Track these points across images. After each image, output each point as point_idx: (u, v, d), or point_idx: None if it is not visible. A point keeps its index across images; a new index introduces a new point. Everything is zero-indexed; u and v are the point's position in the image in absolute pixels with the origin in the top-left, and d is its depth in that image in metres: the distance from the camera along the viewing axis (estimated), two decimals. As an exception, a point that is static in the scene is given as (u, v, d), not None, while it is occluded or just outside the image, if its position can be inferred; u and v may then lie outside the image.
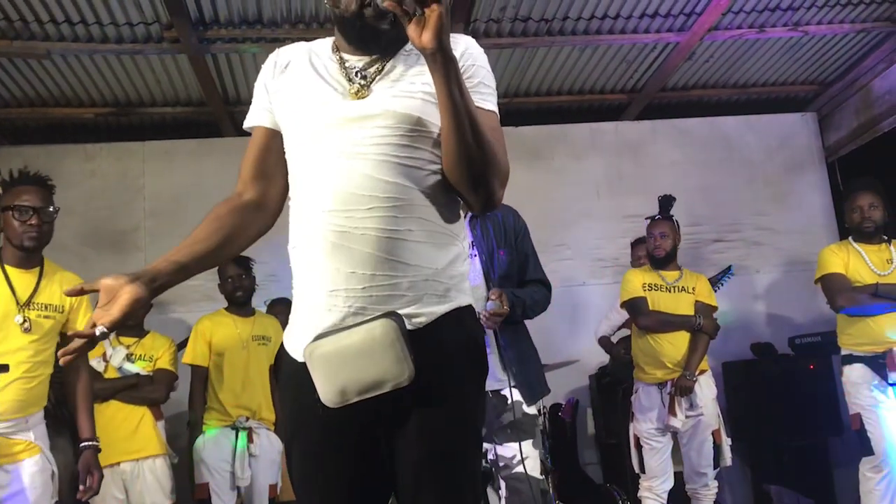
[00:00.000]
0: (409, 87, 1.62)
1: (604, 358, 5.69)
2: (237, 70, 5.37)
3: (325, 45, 1.75)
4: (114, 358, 4.19)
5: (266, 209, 1.77)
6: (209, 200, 5.89)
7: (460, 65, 1.56)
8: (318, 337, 1.55)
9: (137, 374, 4.20)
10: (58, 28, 4.72)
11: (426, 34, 1.40)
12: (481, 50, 1.72)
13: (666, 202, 4.62)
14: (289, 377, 1.67)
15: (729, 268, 5.24)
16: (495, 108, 1.68)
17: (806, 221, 6.34)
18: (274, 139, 1.74)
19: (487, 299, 3.02)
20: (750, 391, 5.55)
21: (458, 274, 1.65)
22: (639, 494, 4.53)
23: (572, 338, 5.82)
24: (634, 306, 4.53)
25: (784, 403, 5.31)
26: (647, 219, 4.67)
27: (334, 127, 1.60)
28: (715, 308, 4.59)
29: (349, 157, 1.58)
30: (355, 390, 1.53)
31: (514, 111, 6.24)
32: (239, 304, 4.41)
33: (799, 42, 5.62)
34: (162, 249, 5.46)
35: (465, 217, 3.07)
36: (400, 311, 1.55)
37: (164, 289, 1.60)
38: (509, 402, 2.99)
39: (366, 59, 1.68)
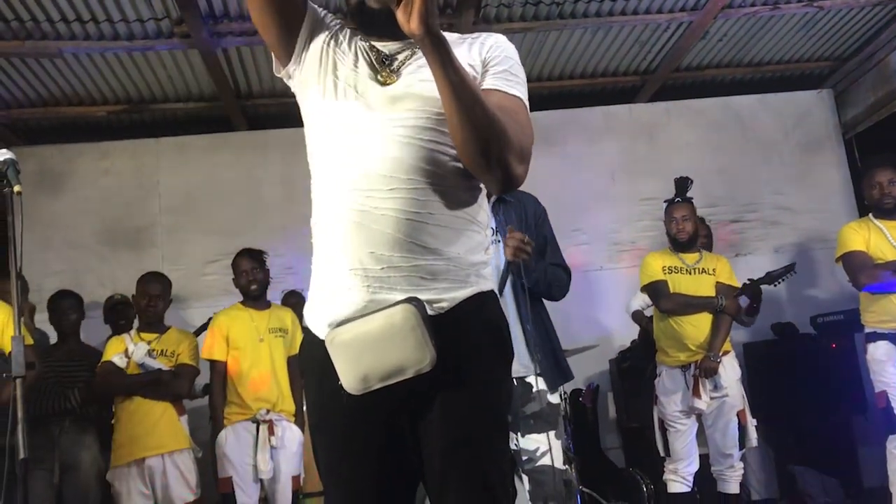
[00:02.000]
0: (425, 74, 1.61)
1: (625, 342, 5.66)
2: (248, 64, 5.36)
3: (350, 31, 1.75)
4: (135, 354, 4.21)
5: None
6: (224, 195, 5.96)
7: (488, 55, 1.66)
8: (340, 323, 1.55)
9: (159, 370, 4.21)
10: (69, 27, 4.72)
11: (413, 20, 1.42)
12: (513, 47, 1.74)
13: (682, 184, 4.58)
14: (312, 362, 1.66)
15: (792, 265, 5.10)
16: (520, 94, 1.68)
17: (824, 199, 6.28)
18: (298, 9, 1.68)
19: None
20: (772, 372, 5.50)
21: (480, 261, 1.65)
22: (664, 477, 4.51)
23: (591, 323, 5.80)
24: (655, 290, 4.50)
25: (807, 383, 5.27)
26: (665, 202, 4.63)
27: (363, 109, 1.62)
28: (736, 288, 4.56)
29: (374, 138, 1.59)
30: (377, 377, 1.53)
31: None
32: (254, 297, 4.40)
33: (814, 17, 5.55)
34: (178, 245, 5.53)
35: (489, 205, 3.11)
36: (421, 296, 1.54)
37: None
38: (534, 390, 2.97)
39: (393, 45, 1.68)
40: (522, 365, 3.00)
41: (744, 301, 5.02)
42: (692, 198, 4.58)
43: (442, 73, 1.48)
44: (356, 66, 1.66)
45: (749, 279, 4.86)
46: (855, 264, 4.13)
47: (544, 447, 2.93)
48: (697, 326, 4.37)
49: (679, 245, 4.53)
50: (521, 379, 2.99)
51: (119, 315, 4.91)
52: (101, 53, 5.04)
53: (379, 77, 1.64)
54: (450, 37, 1.71)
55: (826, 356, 5.34)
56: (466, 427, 1.56)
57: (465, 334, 1.57)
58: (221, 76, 5.33)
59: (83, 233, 5.86)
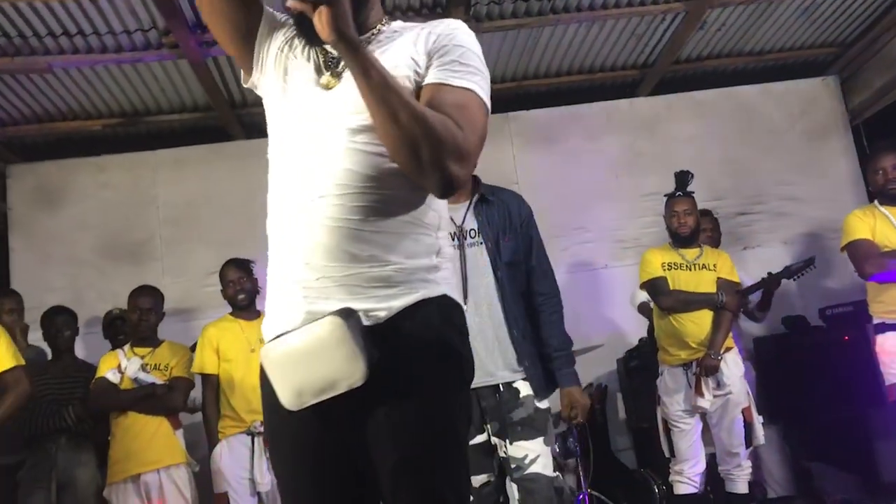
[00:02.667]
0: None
1: (632, 340, 5.56)
2: (239, 73, 5.28)
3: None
4: (129, 369, 4.18)
5: None
6: (223, 205, 5.92)
7: (434, 45, 1.56)
8: (274, 338, 1.51)
9: (153, 384, 4.17)
10: (56, 41, 4.71)
11: (324, 27, 1.40)
12: (467, 32, 1.62)
13: (682, 178, 4.48)
14: (263, 377, 1.60)
15: (812, 259, 4.97)
16: (470, 85, 1.55)
17: (833, 189, 6.13)
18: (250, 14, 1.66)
19: (565, 416, 3.05)
20: (784, 366, 5.39)
21: (427, 265, 1.57)
22: (670, 479, 4.41)
23: (597, 322, 5.70)
24: (655, 287, 4.40)
25: (820, 377, 5.14)
26: (665, 196, 4.54)
27: (304, 115, 1.59)
28: (738, 284, 4.46)
29: (310, 144, 1.55)
30: (311, 392, 1.46)
31: (524, 94, 6.13)
32: (242, 307, 4.34)
33: (814, 3, 5.44)
34: (178, 257, 5.49)
35: (469, 206, 3.04)
36: (357, 305, 1.48)
37: None
38: (521, 395, 2.90)
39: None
40: (509, 370, 2.93)
41: (756, 296, 4.92)
42: (693, 192, 4.48)
43: (360, 79, 1.44)
44: (304, 70, 1.62)
45: (769, 272, 4.74)
46: (860, 253, 4.01)
47: (533, 454, 2.85)
48: (698, 324, 4.26)
49: (680, 240, 4.43)
50: (508, 384, 2.92)
51: (117, 330, 4.88)
52: (91, 67, 5.02)
53: (321, 81, 1.59)
54: (398, 25, 1.66)
55: (839, 349, 5.20)
56: (413, 443, 1.48)
57: (405, 344, 1.49)
58: (213, 86, 5.29)
59: (83, 248, 5.83)
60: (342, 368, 1.43)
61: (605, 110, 6.28)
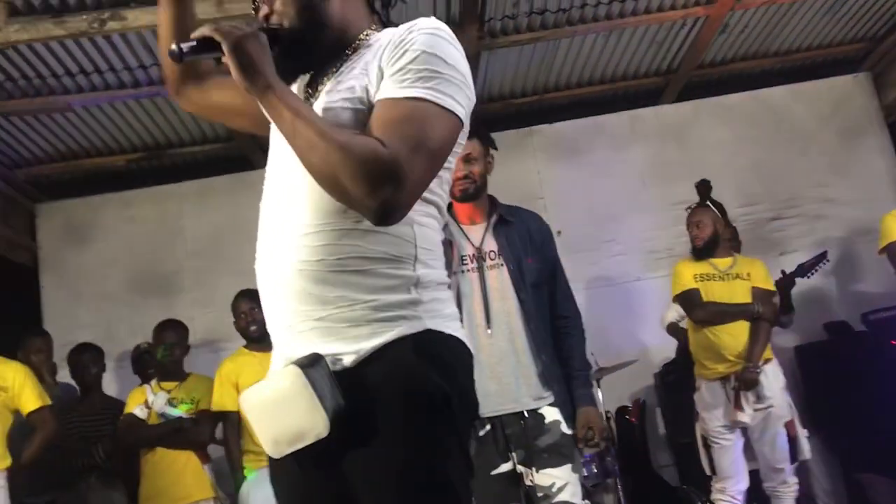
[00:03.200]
0: (330, 98, 1.48)
1: (668, 354, 5.42)
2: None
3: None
4: (156, 404, 4.16)
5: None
6: (249, 235, 5.82)
7: (386, 54, 1.44)
8: (250, 387, 1.47)
9: (180, 418, 4.15)
10: (74, 80, 4.74)
11: (233, 76, 1.38)
12: (429, 31, 1.45)
13: (702, 188, 4.37)
14: None
15: (824, 253, 4.89)
16: (418, 93, 1.39)
17: (870, 188, 5.93)
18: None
19: (581, 436, 2.90)
20: (828, 374, 5.21)
21: (404, 301, 1.44)
22: (712, 497, 4.26)
23: (631, 336, 5.58)
24: (687, 299, 4.28)
25: (866, 383, 4.95)
26: (687, 209, 4.43)
27: (273, 156, 1.57)
28: (774, 292, 4.32)
29: (276, 183, 1.52)
30: (285, 441, 1.40)
31: (546, 108, 6.05)
32: (255, 339, 4.22)
33: (839, -1, 5.28)
34: (206, 289, 5.46)
35: (487, 227, 2.96)
36: (328, 349, 1.41)
37: None
38: (547, 421, 2.80)
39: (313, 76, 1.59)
40: (534, 396, 2.84)
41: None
42: (709, 202, 4.37)
43: (275, 121, 1.38)
44: None
45: (782, 272, 4.60)
46: (899, 255, 3.86)
47: (560, 482, 2.75)
48: (734, 335, 4.12)
49: (696, 252, 4.32)
50: (533, 411, 2.83)
51: (146, 364, 4.86)
52: (111, 103, 5.05)
53: None
54: (376, 37, 1.55)
55: (884, 354, 5.01)
56: (384, 491, 1.39)
57: (372, 388, 1.40)
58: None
59: (112, 283, 5.86)
60: (305, 419, 1.36)
61: (630, 119, 6.16)
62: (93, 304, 5.80)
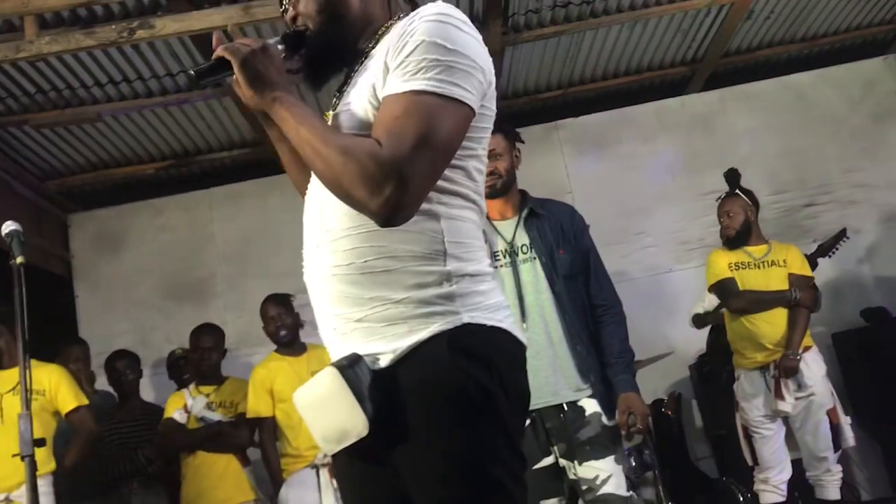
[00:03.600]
0: (351, 99, 1.50)
1: (703, 345, 5.37)
2: (285, 104, 5.33)
3: None
4: (194, 408, 4.19)
5: None
6: (279, 238, 5.92)
7: (394, 49, 1.42)
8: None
9: (219, 422, 4.17)
10: (103, 90, 4.79)
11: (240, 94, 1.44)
12: (432, 18, 1.42)
13: (731, 177, 4.34)
14: None
15: (843, 231, 4.86)
16: (416, 85, 1.36)
17: (903, 171, 5.86)
18: None
19: (622, 422, 2.86)
20: (867, 361, 5.15)
21: (440, 294, 1.42)
22: (755, 488, 4.22)
23: (664, 329, 5.53)
24: (723, 288, 4.24)
25: (907, 370, 4.88)
26: (717, 199, 4.39)
27: None
28: (810, 278, 4.26)
29: (313, 191, 1.54)
30: (333, 440, 1.43)
31: (571, 101, 6.03)
32: (286, 343, 4.21)
33: (867, -20, 5.21)
34: (238, 293, 5.48)
35: (518, 221, 2.95)
36: (368, 349, 1.42)
37: None
38: (587, 413, 2.78)
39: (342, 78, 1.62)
40: (573, 388, 2.82)
41: None
42: (738, 191, 4.31)
43: (283, 130, 1.44)
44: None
45: (804, 255, 4.55)
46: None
47: (605, 474, 2.73)
48: (773, 323, 4.08)
49: (728, 242, 4.27)
50: (573, 403, 2.81)
51: (181, 370, 4.90)
52: (139, 112, 5.10)
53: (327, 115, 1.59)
54: (373, 57, 1.53)
55: (926, 338, 4.94)
56: (431, 495, 1.40)
57: (408, 387, 1.40)
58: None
59: (145, 290, 5.91)
60: (346, 420, 1.39)
61: (656, 110, 6.11)
62: (127, 311, 5.85)
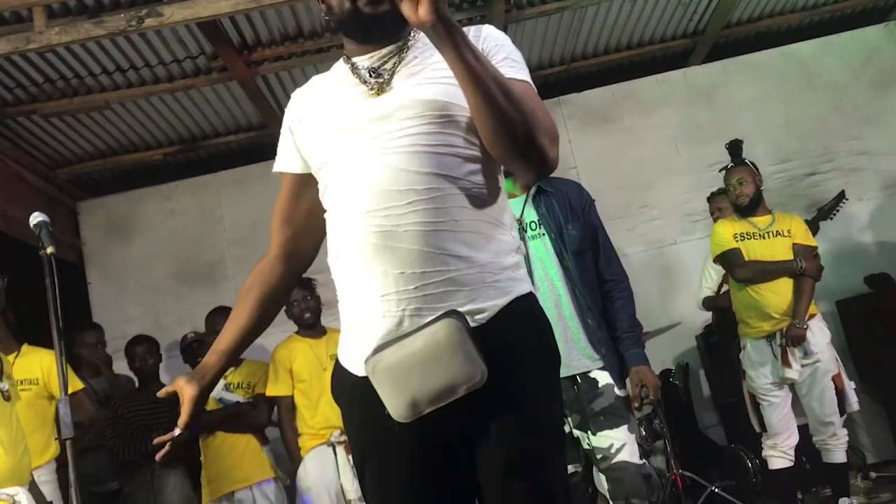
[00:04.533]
0: (431, 75, 1.56)
1: (709, 316, 5.44)
2: (289, 87, 5.36)
3: (337, 64, 1.71)
4: (213, 389, 4.24)
5: (299, 255, 1.78)
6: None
7: (484, 45, 1.56)
8: (378, 349, 1.48)
9: (238, 403, 4.25)
10: (111, 78, 4.83)
11: (422, 8, 1.34)
12: (501, 33, 1.66)
13: (735, 147, 4.37)
14: (350, 395, 1.60)
15: (842, 193, 4.92)
16: (528, 79, 1.59)
17: (906, 138, 5.90)
18: (303, 184, 1.71)
19: (635, 396, 2.92)
20: (871, 327, 5.22)
21: (512, 263, 1.57)
22: (763, 454, 4.30)
23: (670, 301, 5.62)
24: (729, 259, 4.29)
25: (912, 335, 4.95)
26: (720, 170, 4.43)
27: (360, 128, 1.56)
28: (815, 248, 4.31)
29: (380, 154, 1.52)
30: (427, 399, 1.45)
31: (574, 77, 6.06)
32: (308, 325, 4.29)
33: (867, -54, 5.22)
34: (248, 275, 5.49)
35: (526, 198, 3.00)
36: (459, 309, 1.47)
37: (217, 378, 1.79)
38: (600, 385, 2.85)
39: (376, 55, 1.62)
40: (586, 360, 2.89)
41: None
42: (745, 159, 4.35)
43: (460, 58, 1.40)
44: (345, 91, 1.62)
45: (805, 220, 4.60)
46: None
47: (619, 443, 2.81)
48: (778, 293, 4.14)
49: (741, 210, 4.31)
50: (585, 375, 2.88)
51: (195, 353, 4.95)
52: (147, 99, 5.14)
53: (370, 93, 1.58)
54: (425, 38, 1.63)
55: (928, 303, 5.01)
56: (522, 446, 1.49)
57: (510, 343, 1.49)
58: (265, 104, 5.36)
59: (157, 275, 5.97)
60: (462, 372, 1.43)
61: (659, 83, 6.14)
62: (139, 296, 5.92)
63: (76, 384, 3.83)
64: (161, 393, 1.76)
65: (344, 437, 4.13)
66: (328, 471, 4.10)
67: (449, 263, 1.48)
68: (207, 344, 4.54)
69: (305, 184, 1.70)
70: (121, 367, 4.90)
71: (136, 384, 4.74)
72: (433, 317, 1.46)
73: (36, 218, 2.46)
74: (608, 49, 5.91)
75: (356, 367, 1.55)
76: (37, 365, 3.68)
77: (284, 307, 4.39)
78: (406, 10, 1.36)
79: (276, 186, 1.81)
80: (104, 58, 4.62)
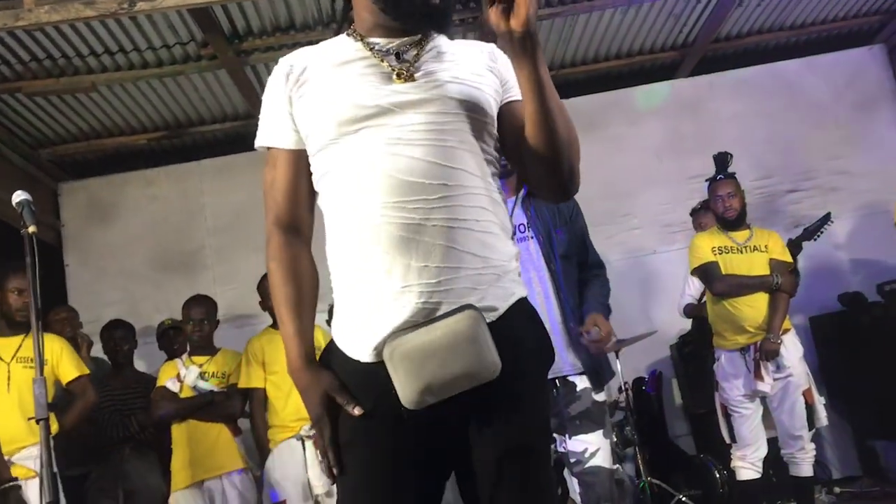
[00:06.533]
0: (458, 74, 1.57)
1: (684, 325, 5.50)
2: (278, 78, 5.35)
3: (338, 40, 1.65)
4: (187, 377, 4.24)
5: (306, 238, 1.67)
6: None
7: (500, 65, 1.63)
8: (395, 335, 1.47)
9: (212, 392, 4.23)
10: (99, 60, 4.80)
11: (516, 19, 1.35)
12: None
13: (722, 160, 4.40)
14: (354, 382, 1.54)
15: (827, 215, 4.97)
16: None
17: (884, 161, 5.98)
18: (300, 161, 1.61)
19: (585, 330, 2.89)
20: (843, 344, 5.30)
21: (515, 268, 1.61)
22: (732, 465, 4.34)
23: (647, 309, 5.66)
24: (706, 272, 4.33)
25: (881, 353, 5.02)
26: (706, 181, 4.47)
27: (383, 113, 1.51)
28: (791, 264, 4.37)
29: (407, 144, 1.49)
30: (440, 387, 1.45)
31: (563, 82, 6.07)
32: None
33: (857, -30, 5.30)
34: (228, 265, 5.49)
35: (516, 201, 3.02)
36: (475, 303, 1.49)
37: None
38: (578, 389, 2.88)
39: (398, 41, 1.58)
40: (565, 365, 2.92)
41: None
42: (734, 173, 4.40)
43: (537, 75, 1.42)
44: (364, 70, 1.56)
45: (789, 239, 4.66)
46: (917, 228, 3.91)
47: (593, 448, 2.84)
48: (754, 307, 4.19)
49: (727, 223, 4.35)
50: (564, 378, 2.90)
51: (170, 340, 4.95)
52: (134, 83, 5.12)
53: (396, 79, 1.54)
54: (442, 39, 1.65)
55: (899, 324, 5.08)
56: (520, 437, 1.52)
57: (515, 342, 1.52)
58: (252, 93, 5.34)
59: (136, 260, 5.94)
60: (477, 363, 1.45)
61: (646, 94, 6.20)
62: (117, 281, 5.89)
63: (83, 369, 3.87)
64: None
65: (312, 431, 4.12)
66: (296, 465, 4.09)
67: (468, 261, 1.50)
68: (183, 332, 4.55)
69: (302, 160, 1.61)
70: (95, 349, 4.86)
71: (109, 368, 4.72)
72: (448, 309, 1.47)
73: (18, 196, 2.45)
74: (597, 57, 5.96)
75: (363, 353, 1.52)
76: (48, 347, 3.69)
77: (260, 299, 4.40)
78: (494, 17, 1.36)
79: (259, 177, 1.69)
80: (93, 39, 4.59)
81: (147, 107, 5.47)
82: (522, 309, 1.58)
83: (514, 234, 2.95)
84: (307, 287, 1.63)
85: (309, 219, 1.66)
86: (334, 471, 1.55)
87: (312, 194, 1.64)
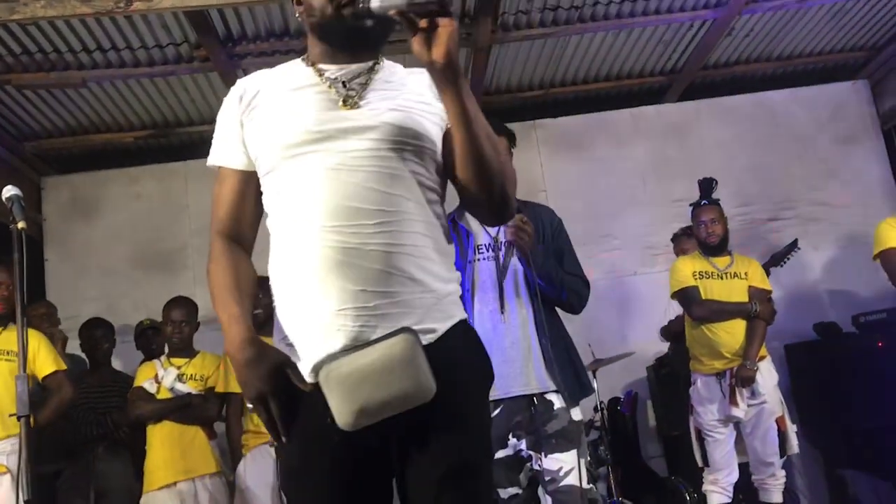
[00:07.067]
0: (404, 103, 1.61)
1: (661, 348, 5.54)
2: (269, 83, 5.36)
3: (292, 65, 1.70)
4: (165, 379, 4.23)
5: (247, 249, 1.73)
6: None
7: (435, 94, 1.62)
8: (331, 358, 1.49)
9: (189, 394, 4.22)
10: (91, 56, 4.78)
11: (437, 49, 1.39)
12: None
13: (707, 185, 4.47)
14: (306, 397, 1.56)
15: (794, 242, 5.07)
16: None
17: (864, 194, 6.08)
18: (249, 183, 1.66)
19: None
20: (816, 373, 5.36)
21: (453, 290, 1.65)
22: (703, 488, 4.39)
23: (626, 330, 5.70)
24: (686, 296, 4.38)
25: (853, 384, 5.09)
26: (690, 206, 4.52)
27: (327, 138, 1.55)
28: (769, 292, 4.43)
29: (349, 170, 1.54)
30: (375, 409, 1.47)
31: (552, 102, 6.14)
32: (260, 323, 4.26)
33: (844, 7, 5.39)
34: (208, 267, 5.30)
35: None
36: (413, 327, 1.52)
37: None
38: (555, 408, 2.90)
39: (346, 68, 1.64)
40: (540, 381, 2.93)
41: None
42: (718, 199, 4.46)
43: (461, 105, 1.48)
44: (310, 96, 1.60)
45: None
46: (893, 262, 3.98)
47: (567, 466, 2.86)
48: (732, 333, 4.25)
49: (709, 249, 4.41)
50: (542, 396, 2.92)
51: (149, 340, 4.93)
52: (125, 81, 5.10)
53: (341, 103, 1.59)
54: (394, 67, 1.70)
55: (872, 355, 5.14)
56: (461, 457, 1.54)
57: (453, 363, 1.55)
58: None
59: (117, 258, 5.91)
60: (413, 386, 1.47)
61: (633, 117, 6.26)
62: (97, 278, 5.85)
63: (59, 364, 3.85)
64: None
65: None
66: (267, 471, 4.08)
67: (406, 285, 1.53)
68: (162, 333, 4.53)
69: (250, 181, 1.65)
70: (72, 346, 4.83)
71: (87, 366, 4.69)
72: (384, 333, 1.49)
73: (9, 191, 2.45)
74: (587, 78, 6.01)
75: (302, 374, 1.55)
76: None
77: None
78: (417, 46, 1.39)
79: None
80: (86, 35, 4.58)
81: (136, 105, 5.45)
82: (461, 330, 1.61)
83: (498, 248, 3.01)
84: (245, 283, 1.66)
85: (251, 235, 1.71)
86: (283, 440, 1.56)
87: (257, 213, 1.69)
